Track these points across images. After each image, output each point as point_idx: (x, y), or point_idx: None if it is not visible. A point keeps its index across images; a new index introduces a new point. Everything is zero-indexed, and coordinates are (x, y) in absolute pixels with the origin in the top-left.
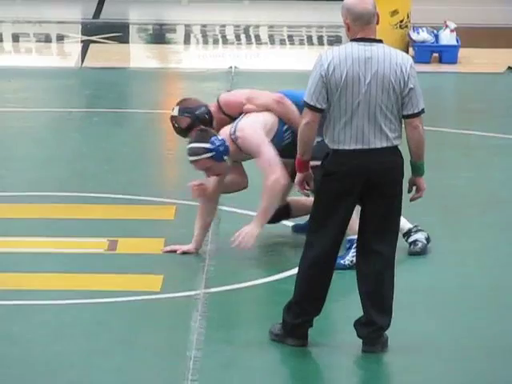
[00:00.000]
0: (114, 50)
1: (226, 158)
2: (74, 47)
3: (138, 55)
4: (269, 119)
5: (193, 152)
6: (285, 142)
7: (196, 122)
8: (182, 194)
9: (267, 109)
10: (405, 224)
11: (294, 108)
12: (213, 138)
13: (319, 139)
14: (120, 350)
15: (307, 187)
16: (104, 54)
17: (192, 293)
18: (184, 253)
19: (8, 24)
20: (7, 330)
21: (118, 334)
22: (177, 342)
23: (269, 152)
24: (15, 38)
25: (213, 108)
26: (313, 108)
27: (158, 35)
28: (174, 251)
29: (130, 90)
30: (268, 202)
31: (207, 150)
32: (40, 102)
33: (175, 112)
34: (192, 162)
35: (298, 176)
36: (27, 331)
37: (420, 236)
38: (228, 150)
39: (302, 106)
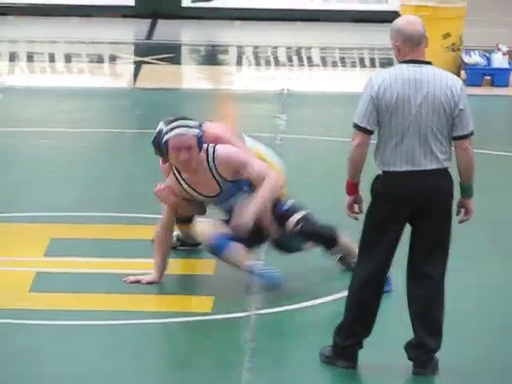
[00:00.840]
0: (166, 71)
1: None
2: (126, 68)
3: (190, 76)
4: (257, 161)
5: (182, 124)
6: (236, 197)
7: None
8: None
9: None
10: None
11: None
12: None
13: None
14: (171, 371)
15: (356, 210)
16: (156, 75)
17: (243, 314)
18: (149, 283)
19: (61, 44)
20: (57, 349)
21: (169, 355)
22: (227, 363)
23: (258, 161)
24: (68, 58)
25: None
26: (363, 130)
27: (211, 56)
28: (138, 281)
29: (181, 111)
30: (269, 192)
31: (196, 127)
32: (92, 122)
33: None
34: (179, 135)
35: (348, 199)
36: (77, 351)
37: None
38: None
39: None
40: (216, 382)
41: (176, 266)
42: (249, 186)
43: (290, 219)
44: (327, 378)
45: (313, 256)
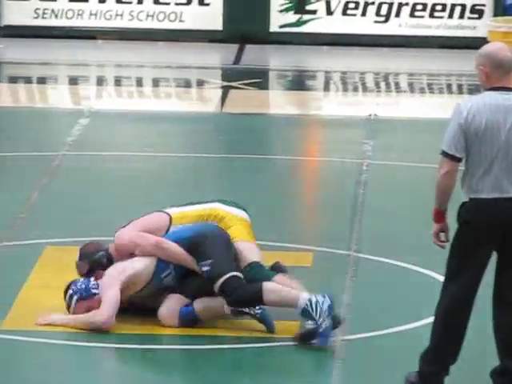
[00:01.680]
0: (254, 96)
1: (94, 291)
2: (213, 93)
3: (278, 101)
4: (140, 265)
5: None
6: (164, 285)
7: (95, 266)
8: (320, 241)
9: (150, 254)
10: None
11: (176, 249)
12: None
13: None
14: None
15: (443, 239)
16: (244, 100)
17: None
18: None
19: (148, 68)
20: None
21: (256, 380)
22: None
23: (111, 295)
24: (155, 82)
25: (111, 249)
26: (451, 157)
27: (298, 81)
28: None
29: (269, 136)
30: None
31: (71, 295)
32: (179, 147)
33: (77, 258)
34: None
35: (435, 227)
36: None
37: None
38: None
39: (186, 243)
40: None
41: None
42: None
43: (214, 285)
44: None
45: (400, 282)
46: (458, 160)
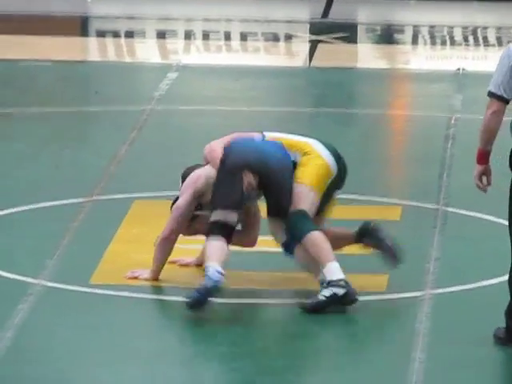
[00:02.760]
0: (342, 50)
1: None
2: (301, 47)
3: (366, 55)
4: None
5: None
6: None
7: None
8: (408, 195)
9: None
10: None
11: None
12: None
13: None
14: (344, 349)
15: (485, 182)
16: (332, 54)
17: (417, 293)
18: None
19: (236, 23)
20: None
21: (340, 333)
22: (402, 342)
23: (176, 208)
24: (243, 36)
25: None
26: (499, 98)
27: (386, 35)
28: (136, 278)
29: (357, 91)
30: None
31: None
32: (267, 101)
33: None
34: None
35: (478, 169)
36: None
37: (325, 292)
38: None
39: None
40: (389, 362)
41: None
42: None
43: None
44: (501, 359)
45: (488, 236)
46: (506, 101)
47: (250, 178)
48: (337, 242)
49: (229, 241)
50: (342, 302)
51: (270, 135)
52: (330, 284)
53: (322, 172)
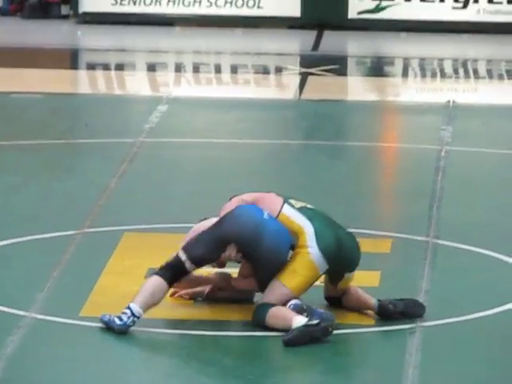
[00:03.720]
0: (332, 82)
1: None
2: (292, 79)
3: (356, 88)
4: None
5: None
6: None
7: None
8: (398, 228)
9: None
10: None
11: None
12: None
13: None
14: (333, 382)
15: None
16: (322, 86)
17: (407, 326)
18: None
19: (227, 55)
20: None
21: (330, 366)
22: (392, 375)
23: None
24: (233, 69)
25: None
26: None
27: (376, 68)
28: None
29: (347, 123)
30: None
31: None
32: (257, 133)
33: None
34: None
35: None
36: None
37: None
38: None
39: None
40: None
41: None
42: None
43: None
44: None
45: (479, 268)
46: None
47: (233, 253)
48: (358, 304)
49: (170, 286)
50: (318, 332)
51: (285, 212)
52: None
53: (306, 272)
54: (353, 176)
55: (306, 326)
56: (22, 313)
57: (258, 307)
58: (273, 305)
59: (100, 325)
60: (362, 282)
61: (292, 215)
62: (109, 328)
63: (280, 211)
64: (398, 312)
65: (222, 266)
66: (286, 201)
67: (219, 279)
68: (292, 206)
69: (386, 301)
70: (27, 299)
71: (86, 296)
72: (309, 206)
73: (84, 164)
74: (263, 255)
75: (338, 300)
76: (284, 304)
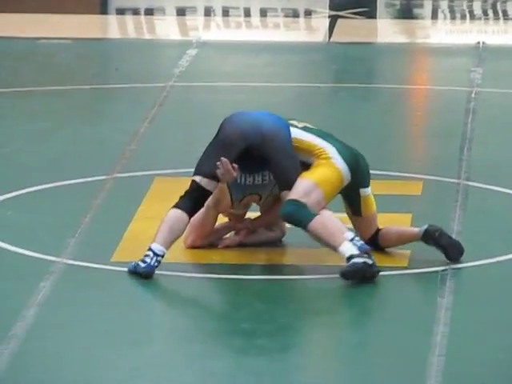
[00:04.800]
0: (362, 25)
1: None
2: (321, 22)
3: (386, 30)
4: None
5: None
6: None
7: None
8: (429, 170)
9: None
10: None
11: None
12: None
13: None
14: (366, 323)
15: None
16: (351, 29)
17: (440, 268)
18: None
19: None
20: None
21: (363, 308)
22: (424, 317)
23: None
24: (263, 12)
25: None
26: None
27: (406, 10)
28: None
29: (377, 65)
30: None
31: None
32: (287, 76)
33: None
34: None
35: None
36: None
37: (359, 260)
38: None
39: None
40: (411, 336)
41: None
42: None
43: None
44: None
45: (509, 209)
46: None
47: (227, 166)
48: (401, 238)
49: (191, 214)
50: (370, 273)
51: (293, 130)
52: (353, 257)
53: (332, 176)
54: (383, 118)
55: (364, 263)
56: (53, 258)
57: (295, 203)
58: (314, 214)
59: None
60: (393, 224)
61: (301, 136)
62: (136, 274)
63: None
64: (439, 244)
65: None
66: (288, 124)
67: (238, 223)
68: (295, 126)
69: (436, 228)
70: (58, 245)
71: (117, 241)
72: (309, 125)
73: (114, 109)
74: (267, 145)
75: (371, 243)
76: (314, 205)
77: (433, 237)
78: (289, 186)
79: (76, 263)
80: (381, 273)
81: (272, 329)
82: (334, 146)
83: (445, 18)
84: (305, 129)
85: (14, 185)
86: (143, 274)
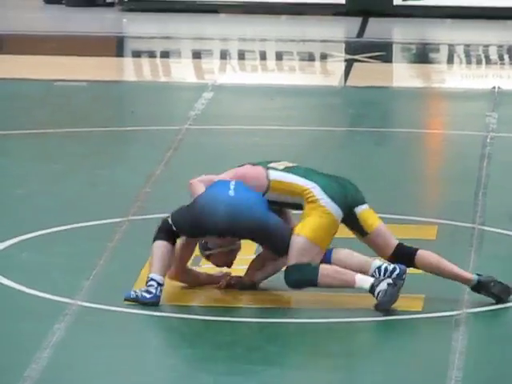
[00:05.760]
0: (378, 69)
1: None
2: (337, 66)
3: (401, 74)
4: None
5: None
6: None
7: None
8: (444, 214)
9: None
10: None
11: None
12: None
13: None
14: (382, 368)
15: None
16: (367, 73)
17: (454, 313)
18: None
19: (272, 42)
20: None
21: (376, 351)
22: (438, 361)
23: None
24: (279, 56)
25: None
26: None
27: (422, 54)
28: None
29: (392, 109)
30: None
31: None
32: (302, 120)
33: None
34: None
35: None
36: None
37: (382, 286)
38: None
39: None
40: (425, 380)
41: None
42: None
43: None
44: None
45: None
46: None
47: (217, 241)
48: (443, 271)
49: (174, 242)
50: (397, 290)
51: (273, 178)
52: (374, 286)
53: (325, 223)
54: (398, 162)
55: (388, 286)
56: (67, 300)
57: (296, 268)
58: (317, 266)
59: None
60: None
61: (284, 178)
62: (139, 303)
63: (269, 181)
64: (493, 292)
65: (229, 264)
66: (267, 168)
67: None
68: (275, 169)
69: (488, 278)
70: (73, 287)
71: (131, 283)
72: (290, 164)
73: (129, 151)
74: (249, 227)
75: (394, 258)
76: (314, 259)
77: (487, 287)
78: (282, 254)
79: (90, 305)
80: (395, 317)
81: (283, 371)
82: (319, 184)
83: (460, 62)
84: (286, 170)
85: (29, 226)
86: (150, 304)
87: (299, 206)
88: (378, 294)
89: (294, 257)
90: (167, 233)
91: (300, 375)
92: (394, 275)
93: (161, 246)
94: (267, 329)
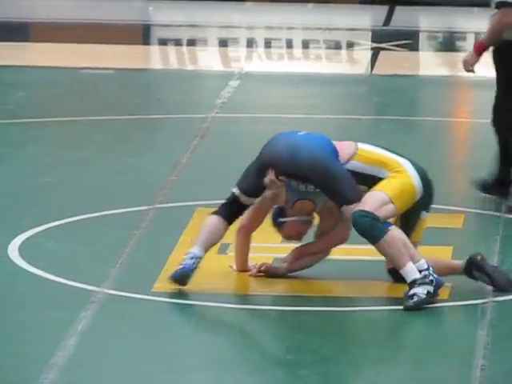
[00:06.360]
0: (404, 58)
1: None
2: (363, 54)
3: (428, 63)
4: None
5: None
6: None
7: None
8: (470, 202)
9: None
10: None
11: None
12: None
13: None
14: (407, 357)
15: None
16: (394, 62)
17: (480, 301)
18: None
19: (298, 30)
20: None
21: (405, 341)
22: (463, 349)
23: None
24: (305, 44)
25: None
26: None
27: (448, 43)
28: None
29: (419, 98)
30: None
31: None
32: (328, 108)
33: None
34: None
35: (474, 58)
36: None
37: (420, 290)
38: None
39: None
40: (451, 369)
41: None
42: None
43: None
44: None
45: None
46: None
47: (272, 176)
48: (442, 270)
49: (230, 222)
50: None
51: (361, 147)
52: (416, 282)
53: (406, 189)
54: (424, 151)
55: (427, 294)
56: (94, 288)
57: (371, 217)
58: (389, 229)
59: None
60: (434, 256)
61: (374, 149)
62: (180, 275)
63: (357, 148)
64: (484, 270)
65: (300, 236)
66: (330, 142)
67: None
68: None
69: (477, 253)
70: (99, 275)
71: (158, 271)
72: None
73: (156, 139)
74: (306, 174)
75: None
76: (382, 215)
77: (477, 264)
78: (346, 202)
79: (117, 293)
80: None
81: (314, 360)
82: (410, 162)
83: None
84: (375, 145)
85: (56, 215)
86: (179, 276)
87: (373, 180)
88: (414, 295)
89: (371, 205)
90: (227, 208)
91: (329, 365)
92: (432, 286)
93: (213, 222)
94: (298, 316)
